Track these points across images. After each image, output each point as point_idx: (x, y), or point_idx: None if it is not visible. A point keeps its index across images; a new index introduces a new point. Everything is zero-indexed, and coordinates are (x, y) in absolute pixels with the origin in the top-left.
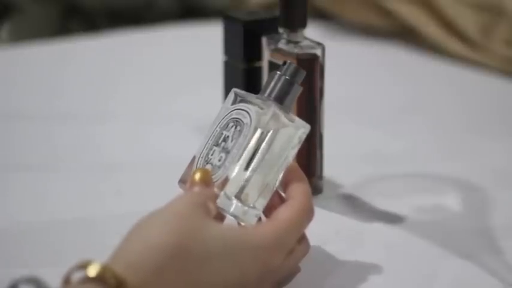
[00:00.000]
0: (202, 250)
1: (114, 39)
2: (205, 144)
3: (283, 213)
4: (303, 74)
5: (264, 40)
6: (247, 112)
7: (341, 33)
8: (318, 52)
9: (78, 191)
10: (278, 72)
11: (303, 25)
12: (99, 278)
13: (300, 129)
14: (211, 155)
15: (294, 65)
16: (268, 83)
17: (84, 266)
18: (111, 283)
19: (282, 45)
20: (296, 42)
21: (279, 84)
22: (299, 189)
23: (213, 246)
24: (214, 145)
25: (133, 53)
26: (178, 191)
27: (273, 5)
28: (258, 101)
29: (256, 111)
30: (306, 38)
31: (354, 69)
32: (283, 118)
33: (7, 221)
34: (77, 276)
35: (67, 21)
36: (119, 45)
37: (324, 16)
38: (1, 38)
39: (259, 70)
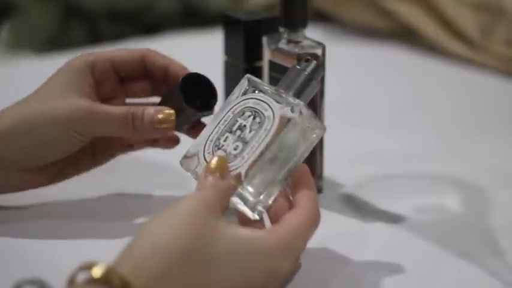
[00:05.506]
0: (210, 255)
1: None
2: (215, 128)
3: (292, 220)
4: (321, 72)
5: (265, 40)
6: (269, 105)
7: (341, 34)
8: (319, 52)
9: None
10: (298, 67)
11: (304, 25)
12: (104, 280)
13: (316, 128)
14: (224, 140)
15: (315, 61)
16: (287, 77)
17: (89, 267)
18: (116, 285)
19: (282, 45)
20: (296, 42)
21: (298, 80)
22: (308, 197)
23: (221, 251)
24: (227, 131)
25: None
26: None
27: (273, 5)
28: (275, 95)
29: (279, 106)
30: (306, 38)
31: (354, 69)
32: (302, 115)
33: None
34: (81, 277)
35: (67, 21)
36: None
37: (324, 17)
38: (1, 38)
39: (259, 70)
